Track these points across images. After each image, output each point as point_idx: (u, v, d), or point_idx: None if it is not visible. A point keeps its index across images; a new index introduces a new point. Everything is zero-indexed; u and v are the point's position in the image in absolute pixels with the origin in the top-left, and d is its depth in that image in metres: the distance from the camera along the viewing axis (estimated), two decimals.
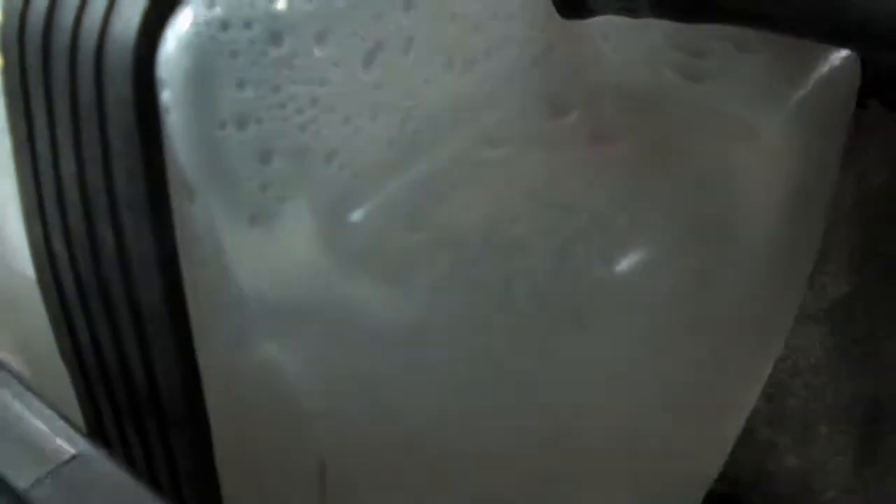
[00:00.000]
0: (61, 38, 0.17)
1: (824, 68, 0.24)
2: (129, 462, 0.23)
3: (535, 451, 0.22)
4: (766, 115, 0.23)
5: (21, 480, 0.15)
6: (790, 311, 0.28)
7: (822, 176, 0.25)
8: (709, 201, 0.20)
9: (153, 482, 0.23)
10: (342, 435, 0.20)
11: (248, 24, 0.15)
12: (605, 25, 0.23)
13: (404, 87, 0.18)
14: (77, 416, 0.24)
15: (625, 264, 0.18)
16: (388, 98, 0.18)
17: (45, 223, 0.20)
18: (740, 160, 0.22)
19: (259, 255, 0.18)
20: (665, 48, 0.24)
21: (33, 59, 0.18)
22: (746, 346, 0.25)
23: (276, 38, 0.16)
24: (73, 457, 0.17)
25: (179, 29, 0.15)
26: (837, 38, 0.20)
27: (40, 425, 0.17)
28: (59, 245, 0.20)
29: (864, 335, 0.33)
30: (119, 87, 0.16)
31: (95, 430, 0.23)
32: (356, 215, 0.18)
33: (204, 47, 0.15)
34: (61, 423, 0.18)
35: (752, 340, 0.25)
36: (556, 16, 0.22)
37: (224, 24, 0.15)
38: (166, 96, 0.16)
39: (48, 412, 0.18)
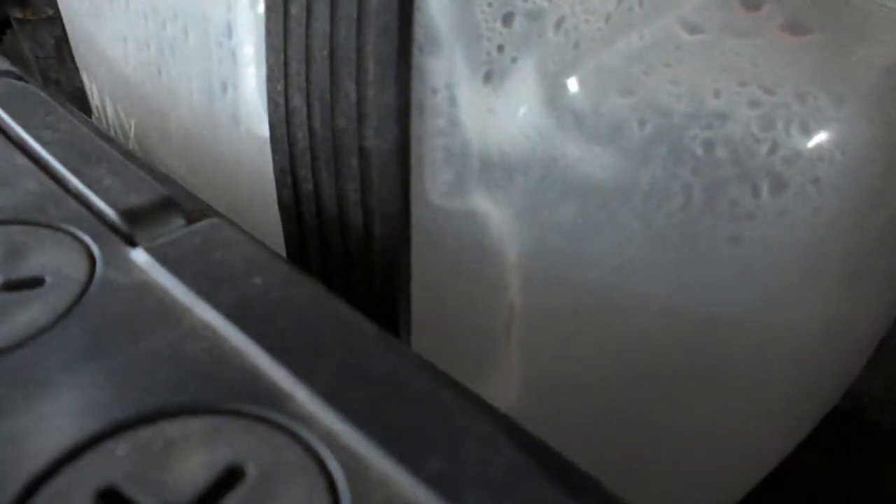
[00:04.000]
0: None
1: None
2: None
3: (701, 327, 0.23)
4: None
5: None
6: None
7: None
8: None
9: None
10: (535, 286, 0.23)
11: None
12: None
13: None
14: None
15: (823, 136, 0.20)
16: None
17: (287, 81, 0.23)
18: None
19: (488, 109, 0.20)
20: None
21: None
22: None
23: None
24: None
25: None
26: None
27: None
28: (298, 101, 0.23)
29: None
30: None
31: None
32: (575, 79, 0.20)
33: None
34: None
35: None
36: None
37: None
38: None
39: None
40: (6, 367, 0.15)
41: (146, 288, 0.17)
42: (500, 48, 0.19)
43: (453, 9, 0.19)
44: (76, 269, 0.17)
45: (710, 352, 0.23)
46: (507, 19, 0.19)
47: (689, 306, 0.22)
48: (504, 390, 0.24)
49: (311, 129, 0.23)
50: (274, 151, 0.25)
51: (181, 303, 0.16)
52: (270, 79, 0.23)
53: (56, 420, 0.14)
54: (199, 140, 0.29)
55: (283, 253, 0.27)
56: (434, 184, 0.22)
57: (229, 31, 0.26)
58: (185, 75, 0.29)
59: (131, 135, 0.35)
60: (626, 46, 0.21)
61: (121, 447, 0.13)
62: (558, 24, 0.19)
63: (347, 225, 0.24)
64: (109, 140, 0.23)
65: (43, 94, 0.25)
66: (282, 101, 0.23)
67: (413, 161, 0.21)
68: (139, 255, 0.17)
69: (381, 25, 0.19)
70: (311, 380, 0.14)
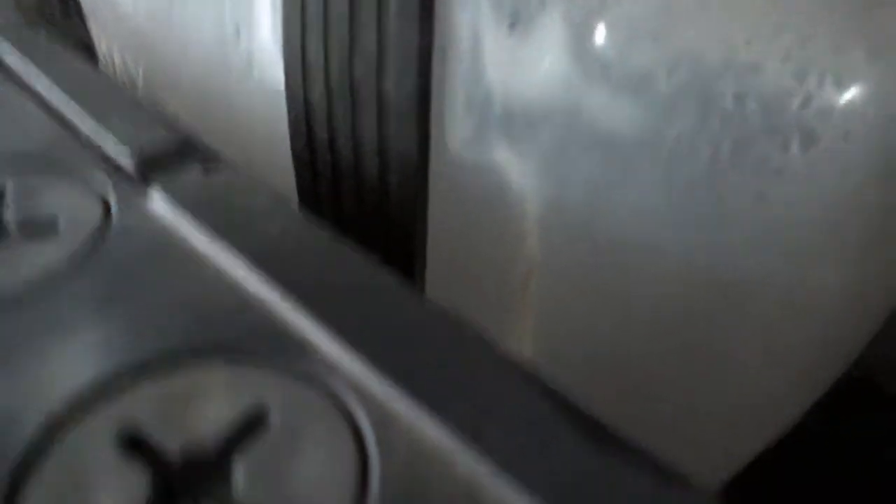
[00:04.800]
0: None
1: None
2: None
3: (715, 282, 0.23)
4: None
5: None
6: None
7: None
8: None
9: None
10: (555, 240, 0.22)
11: None
12: None
13: None
14: None
15: (856, 91, 0.19)
16: None
17: (304, 26, 0.22)
18: None
19: (513, 58, 0.19)
20: None
21: None
22: None
23: None
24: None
25: None
26: None
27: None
28: (315, 46, 0.22)
29: None
30: None
31: None
32: (602, 27, 0.19)
33: None
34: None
35: None
36: None
37: None
38: None
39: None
40: (24, 313, 0.15)
41: (163, 233, 0.16)
42: None
43: None
44: (90, 214, 0.17)
45: (727, 310, 0.23)
46: None
47: (710, 263, 0.21)
48: (519, 342, 0.24)
49: (327, 77, 0.22)
50: (289, 98, 0.24)
51: (199, 249, 0.16)
52: (286, 24, 0.23)
53: (77, 366, 0.14)
54: (211, 88, 0.29)
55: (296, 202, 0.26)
56: (454, 133, 0.21)
57: None
58: (196, 21, 0.28)
59: (140, 84, 0.34)
60: None
61: (142, 392, 0.13)
62: None
63: (363, 175, 0.24)
64: (119, 84, 0.22)
65: (48, 35, 0.24)
66: (298, 45, 0.23)
67: (433, 110, 0.21)
68: (155, 201, 0.17)
69: None
70: (334, 327, 0.14)
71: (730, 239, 0.21)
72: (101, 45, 0.37)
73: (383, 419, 0.13)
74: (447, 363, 0.14)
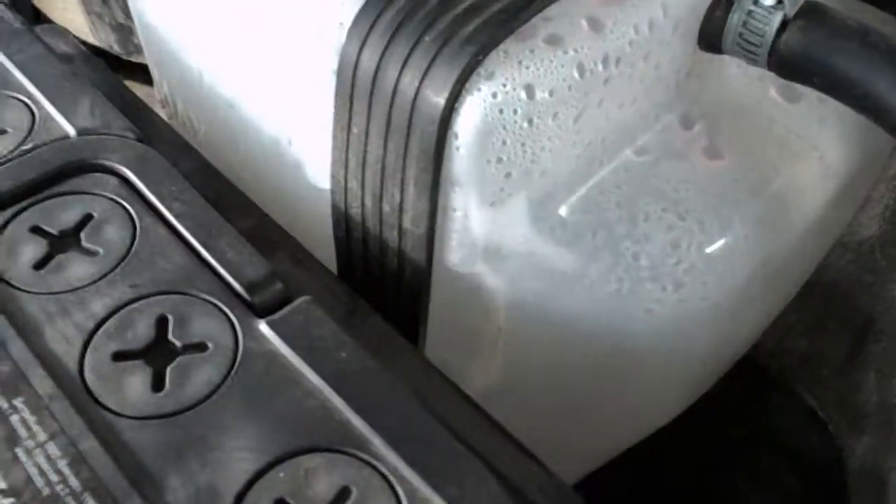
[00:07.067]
0: (385, 84, 0.28)
1: None
2: None
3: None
4: (834, 136, 0.32)
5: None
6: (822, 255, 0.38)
7: (869, 179, 0.34)
8: (778, 211, 0.30)
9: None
10: (515, 318, 0.33)
11: (516, 111, 0.26)
12: None
13: (595, 126, 0.29)
14: None
15: (714, 249, 0.29)
16: (583, 135, 0.28)
17: (346, 168, 0.32)
18: (807, 177, 0.31)
19: (492, 220, 0.29)
20: None
21: (360, 94, 0.29)
22: (793, 285, 0.36)
23: (540, 116, 0.26)
24: None
25: (475, 104, 0.26)
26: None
27: None
28: (355, 185, 0.32)
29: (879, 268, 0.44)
30: (427, 127, 0.27)
31: None
32: (552, 204, 0.29)
33: (491, 116, 0.26)
34: None
35: (798, 280, 0.37)
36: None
37: (501, 107, 0.26)
38: (461, 141, 0.27)
39: None
40: (202, 415, 0.25)
41: (273, 356, 0.27)
42: (502, 189, 0.28)
43: (478, 170, 0.27)
44: (226, 339, 0.27)
45: (620, 362, 0.34)
46: (508, 175, 0.28)
47: (616, 341, 0.32)
48: (489, 373, 0.35)
49: (363, 205, 0.32)
50: (334, 206, 0.34)
51: (298, 369, 0.26)
52: (334, 164, 0.32)
53: (240, 456, 0.24)
54: (269, 175, 0.37)
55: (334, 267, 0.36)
56: (450, 254, 0.31)
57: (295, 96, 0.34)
58: (255, 117, 0.37)
59: (200, 134, 0.43)
60: (590, 174, 0.30)
61: (280, 475, 0.24)
62: (543, 173, 0.28)
63: (386, 266, 0.34)
64: (220, 209, 0.31)
65: (163, 160, 0.33)
66: (342, 182, 0.32)
67: (436, 241, 0.31)
68: (265, 330, 0.27)
69: (421, 166, 0.28)
70: (384, 432, 0.25)
71: (625, 328, 0.32)
72: (163, 87, 0.45)
73: (410, 489, 0.24)
74: (465, 459, 0.24)
